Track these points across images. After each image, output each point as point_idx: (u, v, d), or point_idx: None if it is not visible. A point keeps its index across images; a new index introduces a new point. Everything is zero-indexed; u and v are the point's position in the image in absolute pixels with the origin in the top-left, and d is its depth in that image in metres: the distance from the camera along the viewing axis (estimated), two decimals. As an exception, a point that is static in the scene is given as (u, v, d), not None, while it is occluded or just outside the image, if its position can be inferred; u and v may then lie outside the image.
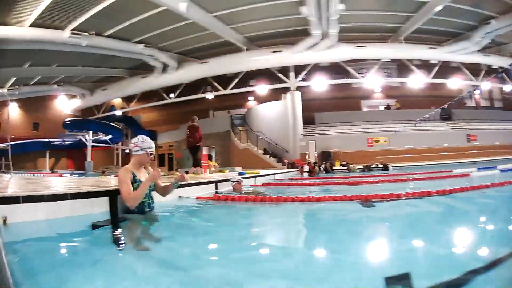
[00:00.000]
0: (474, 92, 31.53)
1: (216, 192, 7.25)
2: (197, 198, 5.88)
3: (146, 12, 17.58)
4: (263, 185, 10.05)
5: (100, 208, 3.93)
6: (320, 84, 26.90)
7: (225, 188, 7.64)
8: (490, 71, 29.57)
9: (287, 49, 22.48)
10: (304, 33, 20.91)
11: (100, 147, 30.69)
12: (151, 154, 4.11)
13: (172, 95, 28.68)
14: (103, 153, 33.13)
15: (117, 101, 33.53)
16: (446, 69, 28.18)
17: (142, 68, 25.86)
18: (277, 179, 13.03)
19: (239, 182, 7.01)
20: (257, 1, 18.06)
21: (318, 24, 19.08)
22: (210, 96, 27.87)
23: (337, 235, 3.44)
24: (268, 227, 4.09)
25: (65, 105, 32.07)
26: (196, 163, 12.28)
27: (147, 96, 29.90)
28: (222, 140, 27.69)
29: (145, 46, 21.36)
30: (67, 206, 3.61)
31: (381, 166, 20.46)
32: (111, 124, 29.75)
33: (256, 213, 5.16)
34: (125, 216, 3.79)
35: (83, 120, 28.73)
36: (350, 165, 20.84)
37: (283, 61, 23.38)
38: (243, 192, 6.80)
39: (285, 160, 22.76)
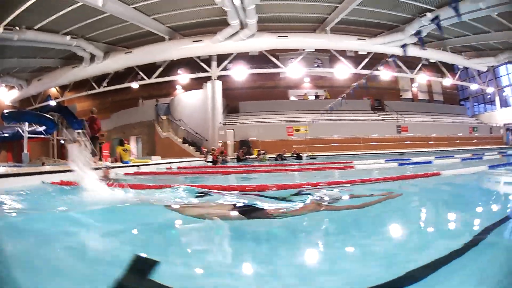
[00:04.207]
0: (413, 85, 31.53)
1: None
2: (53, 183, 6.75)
3: (68, 6, 17.62)
4: (135, 173, 10.50)
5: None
6: (241, 73, 26.75)
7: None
8: (431, 65, 29.57)
9: (208, 38, 22.19)
10: (226, 23, 20.47)
11: (36, 138, 30.34)
12: None
13: (105, 84, 28.24)
14: (40, 144, 32.78)
15: (54, 91, 33.10)
16: (380, 61, 27.99)
17: (75, 58, 25.50)
18: (178, 167, 13.54)
19: (107, 168, 7.99)
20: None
21: (234, 14, 18.77)
22: (135, 85, 27.22)
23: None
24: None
25: (5, 96, 31.71)
26: (95, 153, 12.74)
27: (81, 85, 29.36)
28: (148, 129, 27.22)
29: (72, 37, 21.17)
30: None
31: (295, 155, 19.97)
32: (44, 114, 29.13)
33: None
34: None
35: (19, 112, 28.10)
36: (261, 154, 20.35)
37: (204, 51, 23.23)
38: (110, 178, 7.70)
39: (204, 149, 22.40)
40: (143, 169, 12.00)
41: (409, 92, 34.22)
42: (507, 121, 31.59)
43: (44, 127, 29.07)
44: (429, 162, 12.21)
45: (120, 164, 12.39)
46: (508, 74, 33.40)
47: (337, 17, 21.29)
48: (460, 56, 27.68)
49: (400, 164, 11.32)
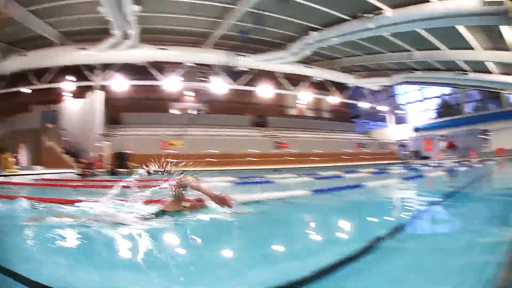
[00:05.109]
0: (299, 102, 32.38)
1: None
2: None
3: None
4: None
5: None
6: (122, 84, 26.61)
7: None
8: (321, 83, 30.43)
9: (93, 47, 22.21)
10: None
11: None
12: None
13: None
14: None
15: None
16: (263, 77, 28.92)
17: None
18: (42, 179, 13.40)
19: None
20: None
21: (117, 24, 19.02)
22: (26, 89, 27.10)
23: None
24: None
25: None
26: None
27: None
28: (35, 137, 25.90)
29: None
30: None
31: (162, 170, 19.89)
32: None
33: None
34: None
35: None
36: (131, 168, 20.25)
37: (88, 59, 23.30)
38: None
39: (83, 161, 21.96)
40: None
41: (295, 109, 35.25)
42: (399, 138, 32.89)
43: None
44: (271, 182, 11.57)
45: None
46: (405, 93, 34.80)
47: (218, 33, 21.94)
48: (350, 75, 28.57)
49: (237, 183, 10.77)
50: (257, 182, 11.74)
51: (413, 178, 12.79)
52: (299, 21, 20.61)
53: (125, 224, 3.60)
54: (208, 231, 3.70)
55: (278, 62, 24.47)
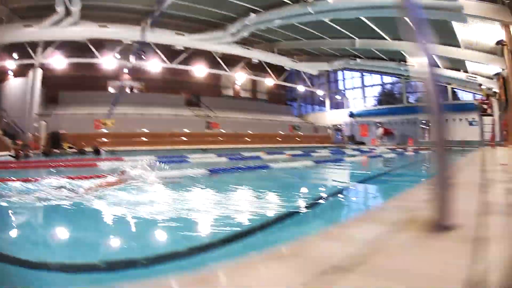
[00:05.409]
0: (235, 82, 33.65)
1: None
2: None
3: None
4: None
5: None
6: (62, 61, 26.13)
7: None
8: (259, 65, 30.97)
9: (37, 24, 21.93)
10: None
11: None
12: None
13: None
14: None
15: None
16: (199, 56, 29.34)
17: None
18: None
19: None
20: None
21: (61, 0, 19.36)
22: None
23: None
24: None
25: None
26: None
27: None
28: None
29: None
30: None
31: (93, 150, 19.82)
32: None
33: None
34: None
35: None
36: (62, 149, 20.34)
37: (33, 36, 22.89)
38: None
39: (18, 142, 20.30)
40: None
41: (231, 89, 36.04)
42: (335, 122, 34.34)
43: None
44: (186, 162, 12.35)
45: None
46: (344, 79, 36.16)
47: (159, 11, 21.53)
48: (289, 58, 29.65)
49: (160, 160, 10.64)
50: (171, 162, 11.94)
51: (328, 161, 13.44)
52: (239, 2, 20.96)
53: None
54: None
55: (215, 42, 25.15)
